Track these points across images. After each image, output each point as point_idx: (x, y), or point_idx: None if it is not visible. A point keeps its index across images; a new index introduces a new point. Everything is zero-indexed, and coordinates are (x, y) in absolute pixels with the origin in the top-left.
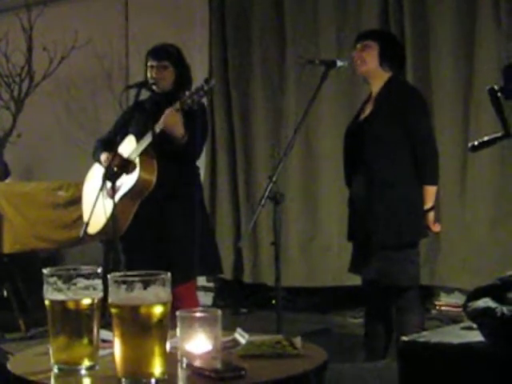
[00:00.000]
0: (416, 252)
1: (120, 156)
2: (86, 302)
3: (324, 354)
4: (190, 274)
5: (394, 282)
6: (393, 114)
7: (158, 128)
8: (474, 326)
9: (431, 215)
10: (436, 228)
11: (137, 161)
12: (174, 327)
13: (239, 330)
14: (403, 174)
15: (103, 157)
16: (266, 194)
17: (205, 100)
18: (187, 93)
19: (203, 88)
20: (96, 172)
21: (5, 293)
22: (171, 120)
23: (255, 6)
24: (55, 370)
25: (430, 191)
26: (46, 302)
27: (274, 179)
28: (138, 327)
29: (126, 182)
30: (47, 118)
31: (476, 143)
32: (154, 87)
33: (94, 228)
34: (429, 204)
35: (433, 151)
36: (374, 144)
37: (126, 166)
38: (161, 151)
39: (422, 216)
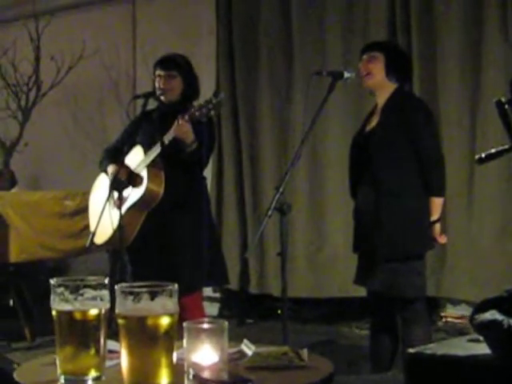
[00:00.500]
0: (422, 264)
1: (127, 168)
2: (93, 312)
3: (330, 365)
4: (196, 285)
5: (400, 293)
6: (399, 126)
7: (166, 139)
8: (481, 338)
9: (437, 227)
10: (442, 240)
11: (144, 173)
12: (181, 338)
13: (246, 341)
14: (410, 186)
15: (110, 169)
16: (273, 204)
17: (212, 112)
18: (196, 105)
19: (212, 101)
20: (102, 182)
21: (11, 302)
22: (182, 130)
23: (262, 16)
24: (62, 381)
25: (437, 203)
26: (53, 313)
27: (280, 190)
28: (145, 338)
29: (134, 192)
30: (54, 127)
31: (483, 156)
32: (161, 97)
33: (100, 238)
34: (435, 216)
35: (439, 163)
36: (381, 155)
37: (133, 179)
38: (168, 162)
39: (428, 228)
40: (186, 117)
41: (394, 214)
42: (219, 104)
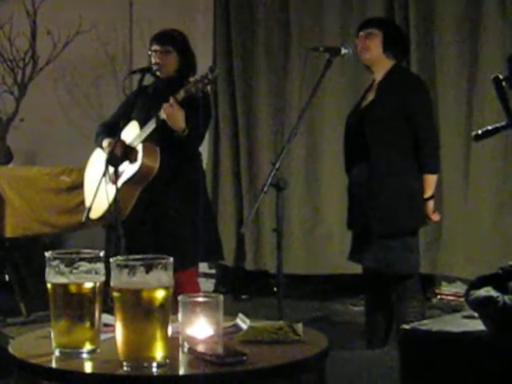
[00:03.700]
0: (416, 240)
1: (123, 142)
2: (88, 285)
3: (325, 340)
4: (191, 261)
5: (394, 270)
6: (396, 103)
7: (162, 115)
8: (476, 315)
9: (431, 204)
10: (435, 217)
11: (139, 148)
12: (176, 313)
13: (241, 315)
14: (404, 162)
15: (105, 143)
16: (269, 180)
17: (209, 87)
18: (191, 80)
19: (207, 76)
20: (97, 157)
21: (6, 277)
22: (170, 113)
23: None
24: (57, 354)
25: (431, 180)
26: (48, 286)
27: (277, 166)
28: (140, 311)
29: (129, 167)
30: (50, 102)
31: (479, 132)
32: (157, 73)
33: (96, 213)
34: (428, 193)
35: (434, 140)
36: (376, 131)
37: (129, 153)
38: (163, 137)
39: (422, 204)
40: (179, 95)
41: (388, 191)
42: (215, 79)
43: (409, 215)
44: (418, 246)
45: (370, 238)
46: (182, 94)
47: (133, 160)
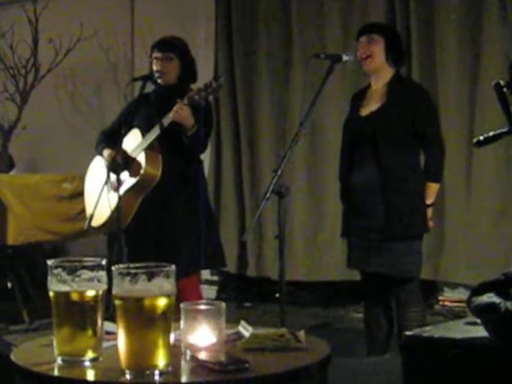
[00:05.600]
0: (421, 243)
1: (124, 152)
2: (90, 293)
3: (327, 347)
4: (193, 268)
5: (402, 272)
6: (403, 112)
7: (166, 122)
8: (478, 321)
9: (430, 211)
10: (431, 224)
11: (141, 156)
12: (178, 320)
13: (243, 322)
14: (412, 169)
15: (106, 153)
16: (271, 187)
17: (211, 95)
18: (195, 89)
19: (211, 85)
20: (98, 165)
21: (9, 284)
22: (180, 115)
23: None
24: (59, 362)
25: (433, 188)
26: (50, 294)
27: (278, 173)
28: (142, 319)
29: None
30: (52, 110)
31: (481, 138)
32: (159, 80)
33: (97, 221)
34: (430, 200)
35: (440, 150)
36: (386, 139)
37: (130, 164)
38: (166, 145)
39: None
40: (185, 101)
41: (400, 197)
42: (219, 88)
43: (419, 220)
44: (421, 250)
45: (376, 242)
46: (185, 102)
47: (134, 174)
